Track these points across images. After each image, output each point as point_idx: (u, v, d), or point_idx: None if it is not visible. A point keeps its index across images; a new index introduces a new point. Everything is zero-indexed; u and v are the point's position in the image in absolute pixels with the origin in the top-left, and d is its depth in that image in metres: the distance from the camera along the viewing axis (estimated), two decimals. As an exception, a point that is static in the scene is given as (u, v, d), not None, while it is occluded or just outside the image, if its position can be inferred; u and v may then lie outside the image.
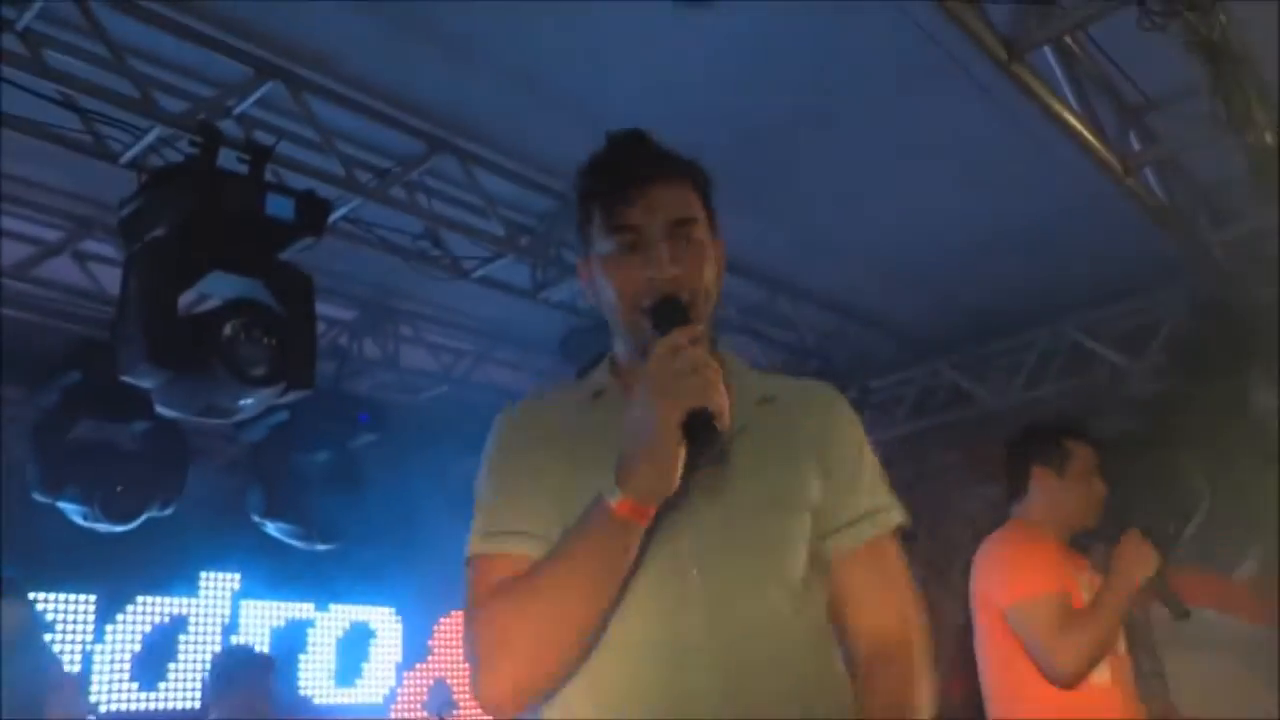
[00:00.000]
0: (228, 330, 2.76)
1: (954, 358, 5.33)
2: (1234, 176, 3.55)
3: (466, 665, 1.38)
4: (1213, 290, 4.31)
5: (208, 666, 4.46)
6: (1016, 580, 2.76)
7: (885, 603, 1.45)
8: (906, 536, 1.52)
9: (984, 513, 5.46)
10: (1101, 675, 2.73)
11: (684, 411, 1.23)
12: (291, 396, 3.02)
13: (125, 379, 2.83)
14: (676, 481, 1.26)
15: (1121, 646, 2.78)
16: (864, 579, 1.45)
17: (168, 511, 4.29)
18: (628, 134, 1.48)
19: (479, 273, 3.78)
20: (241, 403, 2.89)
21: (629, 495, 1.25)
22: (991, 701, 2.85)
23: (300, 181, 3.02)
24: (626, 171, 1.43)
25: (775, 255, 4.30)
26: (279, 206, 2.83)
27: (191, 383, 2.85)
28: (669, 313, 1.34)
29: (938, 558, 5.32)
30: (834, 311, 4.88)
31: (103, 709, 4.57)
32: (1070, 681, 2.66)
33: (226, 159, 2.86)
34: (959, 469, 5.60)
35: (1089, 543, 2.99)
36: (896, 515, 1.50)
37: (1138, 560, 2.76)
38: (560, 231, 3.74)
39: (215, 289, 2.87)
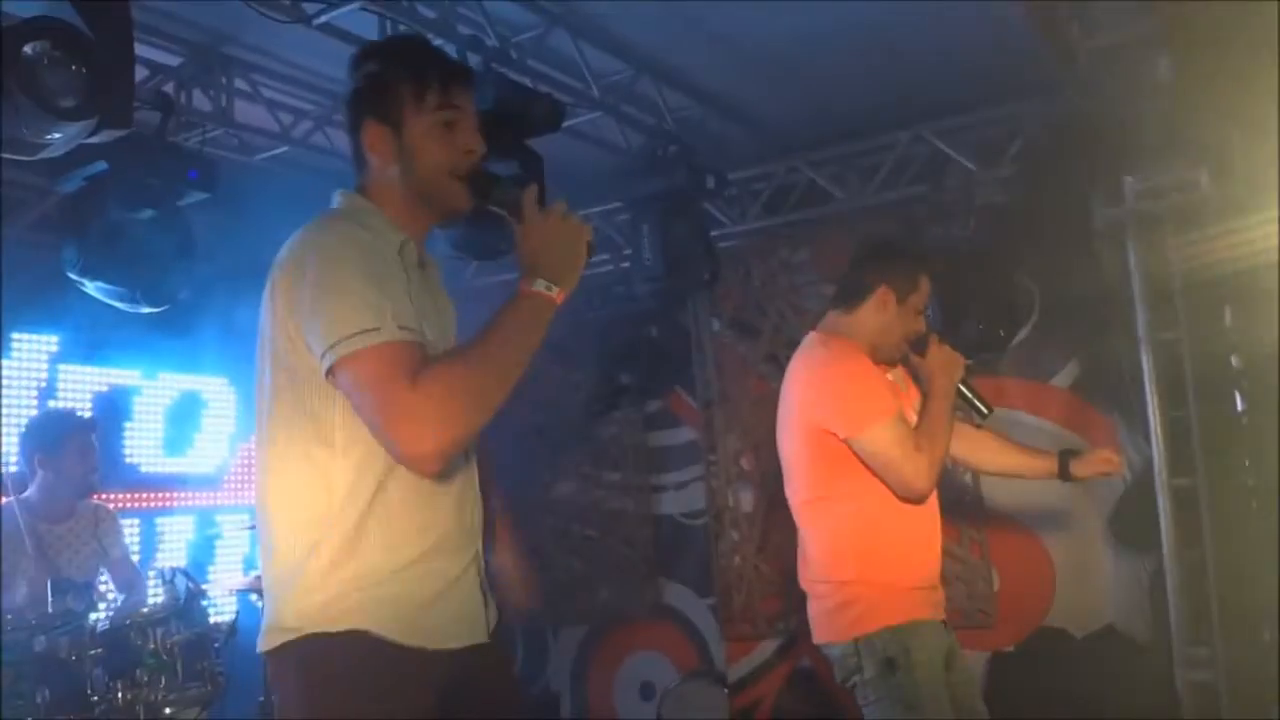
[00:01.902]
0: (29, 51, 2.45)
1: (813, 156, 5.29)
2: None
3: (386, 439, 1.63)
4: (1073, 102, 4.34)
5: (22, 430, 4.24)
6: (857, 411, 2.82)
7: None
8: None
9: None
10: None
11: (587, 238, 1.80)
12: (105, 135, 2.74)
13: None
14: None
15: None
16: None
17: (-26, 266, 3.96)
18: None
19: (322, 18, 3.47)
20: (48, 136, 2.61)
21: (565, 288, 1.75)
22: (800, 495, 2.96)
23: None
24: (454, 63, 1.91)
25: (644, 30, 4.12)
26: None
27: (-13, 111, 2.55)
28: (485, 184, 1.82)
29: (780, 353, 5.45)
30: (697, 98, 4.74)
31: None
32: (924, 495, 2.84)
33: None
34: (807, 267, 5.67)
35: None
36: None
37: (948, 364, 2.92)
38: (414, -20, 3.46)
39: (13, 6, 2.54)
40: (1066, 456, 3.22)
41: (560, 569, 6.19)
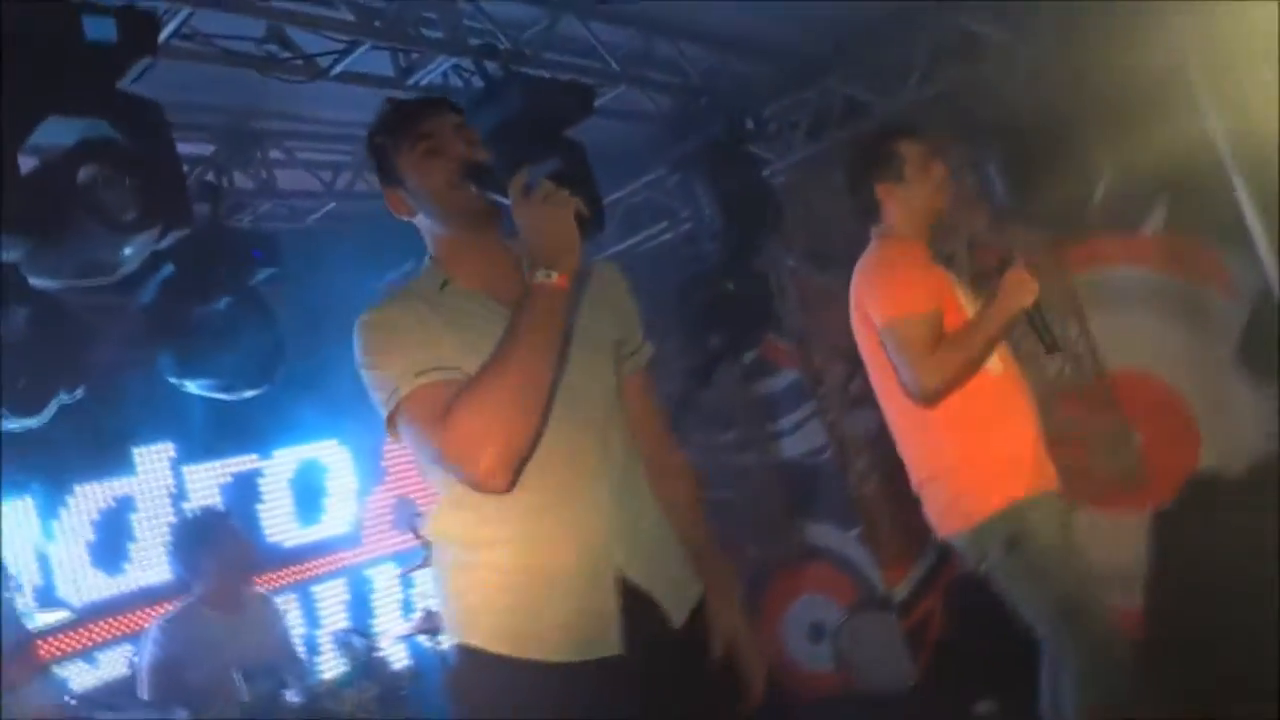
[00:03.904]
0: (82, 177, 2.51)
1: (843, 71, 5.18)
2: None
3: (452, 470, 1.71)
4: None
5: (171, 539, 4.38)
6: (889, 298, 2.82)
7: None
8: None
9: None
10: (994, 366, 2.85)
11: (573, 214, 1.75)
12: (171, 239, 2.79)
13: (-14, 257, 2.58)
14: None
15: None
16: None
17: (78, 395, 4.08)
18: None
19: (337, 69, 3.50)
20: (122, 254, 2.66)
21: (564, 271, 1.71)
22: (889, 401, 2.96)
23: (112, -3, 2.69)
24: (419, 101, 1.99)
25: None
26: (99, 28, 2.52)
27: (60, 244, 2.60)
28: (480, 177, 1.85)
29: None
30: (715, 46, 4.67)
31: (76, 603, 4.49)
32: (930, 399, 2.77)
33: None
34: (866, 182, 5.56)
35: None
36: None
37: (1020, 290, 2.82)
38: (416, 7, 3.45)
39: (54, 137, 2.59)
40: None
41: (702, 538, 6.20)
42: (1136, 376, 4.91)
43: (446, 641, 1.86)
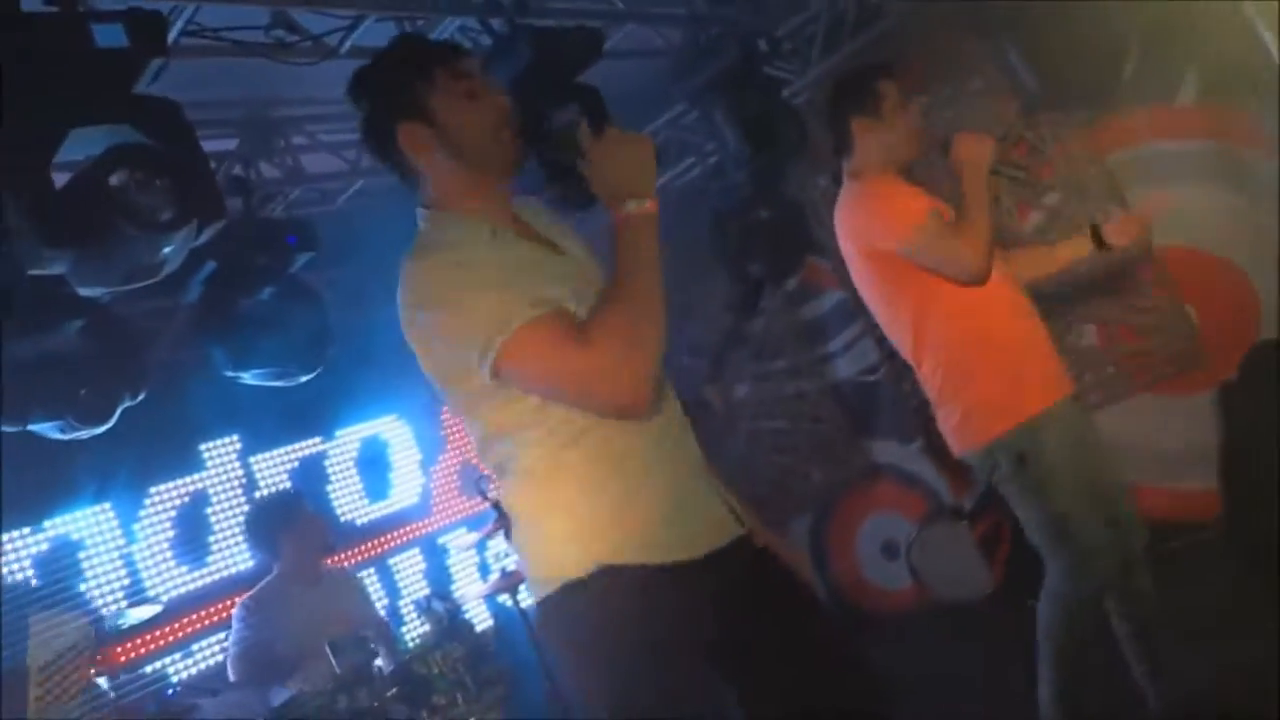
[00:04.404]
0: (115, 182, 2.55)
1: (850, -24, 5.09)
2: None
3: (586, 398, 1.71)
4: None
5: (247, 526, 4.49)
6: (892, 220, 2.89)
7: None
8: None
9: (928, 125, 5.41)
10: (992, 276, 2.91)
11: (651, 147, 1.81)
12: (208, 233, 2.84)
13: (33, 272, 2.64)
14: None
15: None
16: None
17: (140, 399, 4.17)
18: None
19: (346, 45, 3.50)
20: (162, 253, 2.71)
21: (650, 196, 1.77)
22: (898, 331, 3.04)
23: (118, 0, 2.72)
24: (448, 43, 2.04)
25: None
26: (109, 35, 2.54)
27: (102, 252, 2.65)
28: (539, 134, 1.90)
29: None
30: (717, -29, 4.61)
31: (165, 598, 4.63)
32: (984, 274, 2.86)
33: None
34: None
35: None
36: None
37: (973, 151, 2.92)
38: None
39: (82, 148, 2.63)
40: (1096, 229, 3.24)
41: (765, 468, 6.24)
42: (1185, 252, 4.82)
43: (551, 583, 1.80)
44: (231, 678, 3.90)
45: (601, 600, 1.74)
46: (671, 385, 1.93)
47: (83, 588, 4.48)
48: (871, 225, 2.95)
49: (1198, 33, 4.48)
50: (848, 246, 3.04)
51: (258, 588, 4.03)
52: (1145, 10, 4.57)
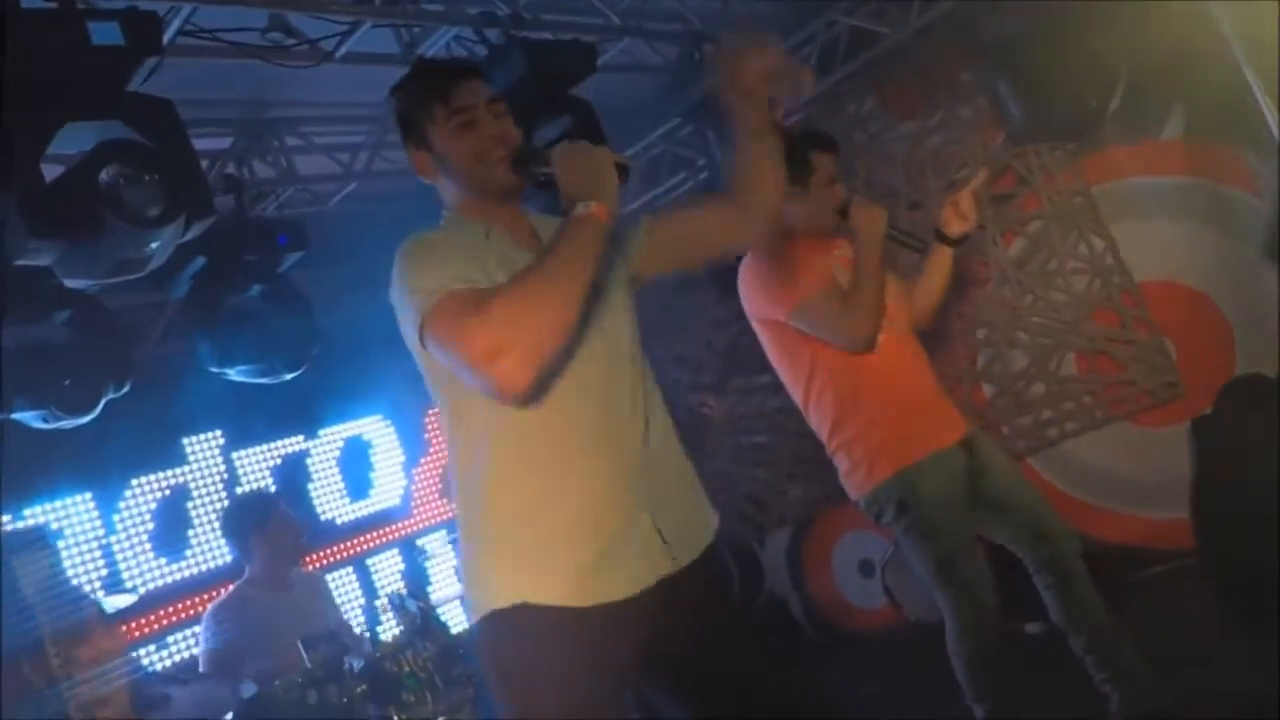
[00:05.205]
0: (105, 177, 2.59)
1: (845, 3, 5.15)
2: None
3: (474, 374, 1.70)
4: None
5: (223, 522, 4.51)
6: (782, 292, 3.01)
7: None
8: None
9: (911, 151, 5.48)
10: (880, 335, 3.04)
11: (608, 157, 1.85)
12: (196, 229, 2.88)
13: (20, 263, 2.68)
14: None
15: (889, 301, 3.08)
16: None
17: (125, 390, 4.20)
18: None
19: (342, 50, 3.55)
20: (149, 248, 2.76)
21: (605, 203, 1.78)
22: (790, 385, 3.17)
23: (115, -1, 2.76)
24: (454, 69, 2.04)
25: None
26: (105, 33, 2.59)
27: (90, 245, 2.71)
28: (525, 161, 1.95)
29: (877, 203, 5.34)
30: (712, -9, 4.66)
31: (141, 590, 4.66)
32: (868, 343, 2.99)
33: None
34: (878, 114, 5.55)
35: None
36: None
37: (869, 219, 3.04)
38: (413, -19, 3.50)
39: (73, 143, 2.68)
40: (939, 232, 3.31)
41: (746, 483, 6.27)
42: (1166, 286, 4.88)
43: (479, 608, 1.85)
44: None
45: (519, 634, 1.79)
46: (655, 403, 1.99)
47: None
48: (766, 293, 3.05)
49: (1185, 70, 4.55)
50: (746, 308, 3.15)
51: (227, 594, 4.05)
52: (1134, 47, 4.64)
